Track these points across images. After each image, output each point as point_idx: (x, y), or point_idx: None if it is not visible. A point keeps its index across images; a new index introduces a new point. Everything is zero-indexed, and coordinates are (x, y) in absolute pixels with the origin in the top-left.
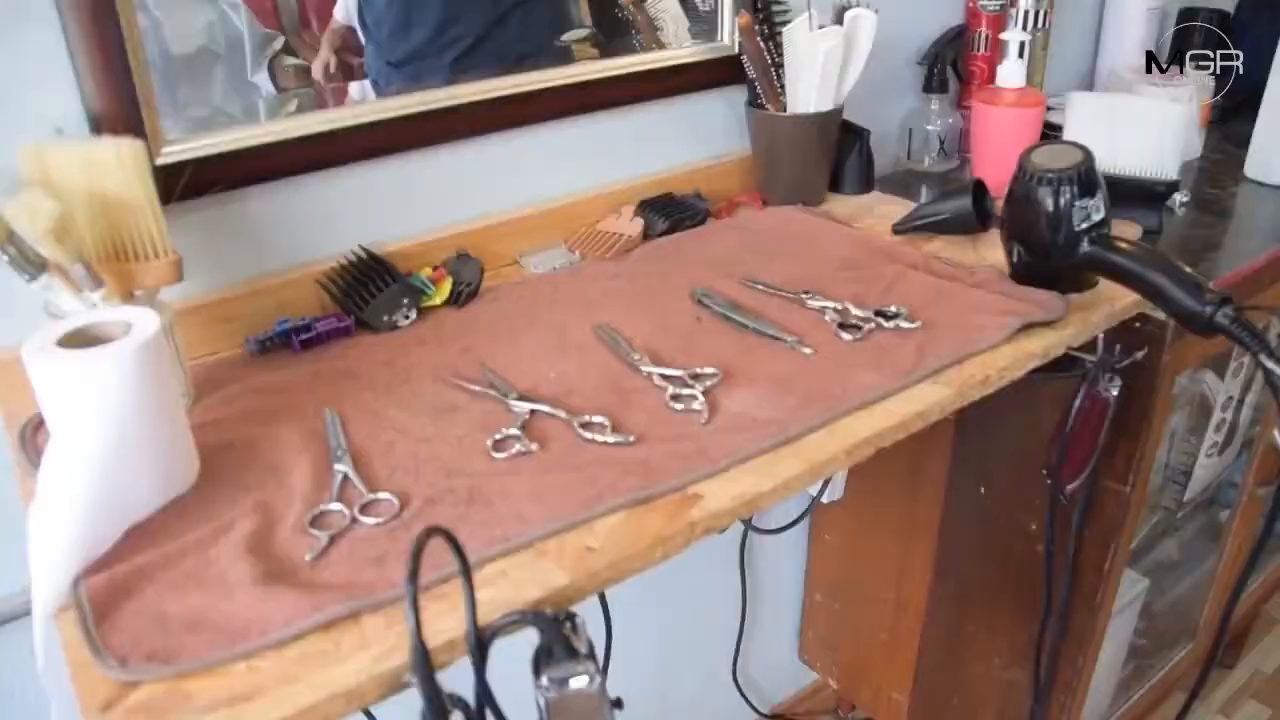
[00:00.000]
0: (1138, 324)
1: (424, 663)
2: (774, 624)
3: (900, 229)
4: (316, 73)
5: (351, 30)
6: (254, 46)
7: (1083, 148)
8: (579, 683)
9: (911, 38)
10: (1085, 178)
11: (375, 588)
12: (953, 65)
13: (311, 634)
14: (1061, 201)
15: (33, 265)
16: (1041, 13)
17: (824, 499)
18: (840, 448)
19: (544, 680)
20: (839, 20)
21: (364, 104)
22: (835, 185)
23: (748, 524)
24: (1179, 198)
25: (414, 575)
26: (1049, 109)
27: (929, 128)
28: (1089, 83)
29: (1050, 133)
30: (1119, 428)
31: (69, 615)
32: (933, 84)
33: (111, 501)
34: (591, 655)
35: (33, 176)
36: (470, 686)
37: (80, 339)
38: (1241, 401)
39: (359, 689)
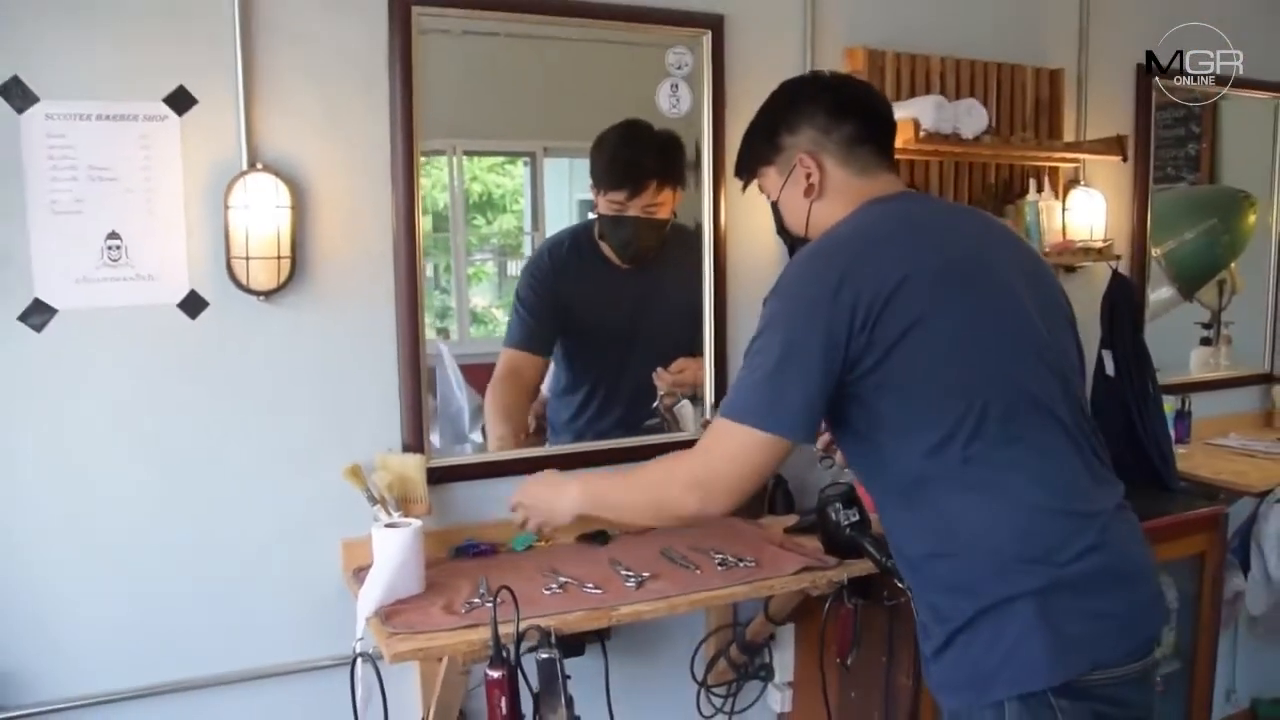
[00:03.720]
0: (899, 582)
1: (495, 636)
2: None
3: (787, 530)
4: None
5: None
6: (470, 414)
7: (849, 484)
8: (548, 655)
9: None
10: (847, 498)
11: (485, 619)
12: None
13: (459, 629)
14: (834, 509)
15: (374, 500)
16: None
17: (778, 709)
18: (686, 602)
19: (538, 653)
20: None
21: (512, 450)
22: (771, 509)
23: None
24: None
25: (495, 596)
26: None
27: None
28: None
29: None
30: (900, 640)
31: (374, 620)
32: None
33: (393, 589)
34: (557, 646)
35: (378, 465)
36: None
37: (390, 526)
38: None
39: (469, 642)
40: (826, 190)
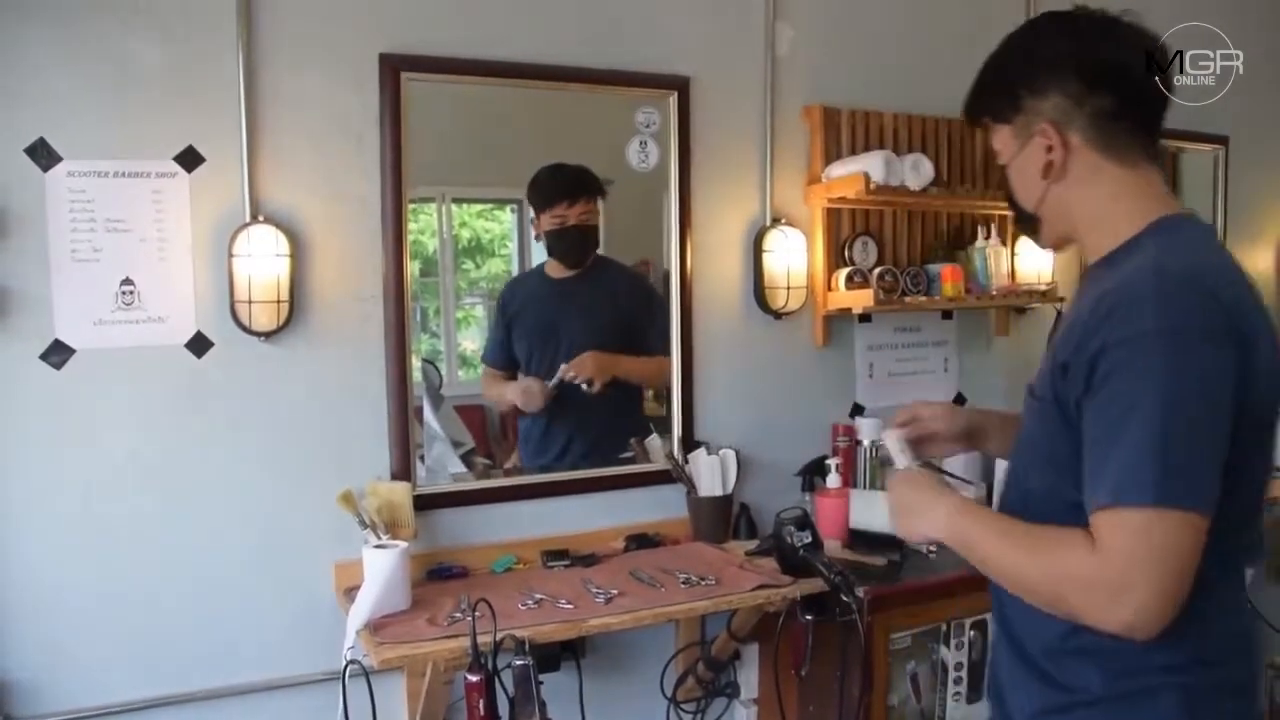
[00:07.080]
0: (846, 598)
1: (474, 643)
2: None
3: (748, 553)
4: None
5: None
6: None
7: (803, 509)
8: (522, 662)
9: (799, 460)
10: (800, 522)
11: (466, 630)
12: (821, 475)
13: (441, 639)
14: (788, 532)
15: (365, 524)
16: (876, 446)
17: (743, 696)
18: (651, 615)
19: (514, 660)
20: (717, 453)
21: (493, 479)
22: (735, 534)
23: None
24: (924, 547)
25: (474, 608)
26: None
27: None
28: None
29: None
30: (852, 655)
31: (364, 631)
32: (804, 486)
33: (381, 605)
34: (532, 655)
35: (368, 491)
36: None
37: (379, 548)
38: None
39: (450, 650)
40: (1070, 172)
